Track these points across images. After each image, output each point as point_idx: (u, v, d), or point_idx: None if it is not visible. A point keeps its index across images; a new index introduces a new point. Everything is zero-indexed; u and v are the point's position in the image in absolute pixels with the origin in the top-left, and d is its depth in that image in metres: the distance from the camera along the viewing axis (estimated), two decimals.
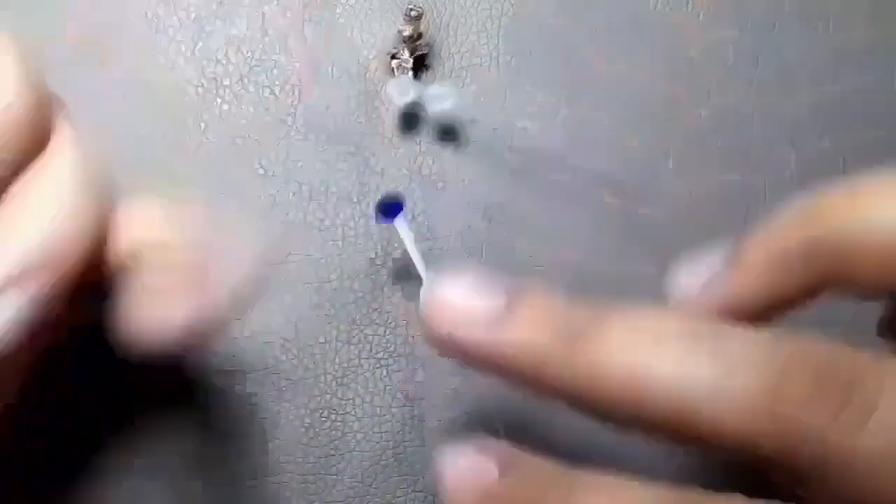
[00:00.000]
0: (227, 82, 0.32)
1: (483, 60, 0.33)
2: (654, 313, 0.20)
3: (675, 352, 0.19)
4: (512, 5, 0.34)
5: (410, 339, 0.31)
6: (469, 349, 0.20)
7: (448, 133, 0.32)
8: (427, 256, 0.32)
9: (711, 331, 0.19)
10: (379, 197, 0.30)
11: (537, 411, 0.31)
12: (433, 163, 0.32)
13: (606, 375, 0.19)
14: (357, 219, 0.32)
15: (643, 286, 0.32)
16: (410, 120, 0.32)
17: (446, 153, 0.32)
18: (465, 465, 0.21)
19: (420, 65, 0.32)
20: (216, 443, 0.30)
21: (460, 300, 0.20)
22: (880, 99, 0.34)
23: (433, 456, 0.31)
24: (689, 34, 0.34)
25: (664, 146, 0.33)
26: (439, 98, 0.32)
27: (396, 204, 0.29)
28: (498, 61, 0.33)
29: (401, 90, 0.31)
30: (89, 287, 0.23)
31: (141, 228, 0.24)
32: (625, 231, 0.33)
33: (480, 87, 0.33)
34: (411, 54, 0.32)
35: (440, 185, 0.32)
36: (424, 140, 0.32)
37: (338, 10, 0.33)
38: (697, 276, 0.23)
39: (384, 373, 0.31)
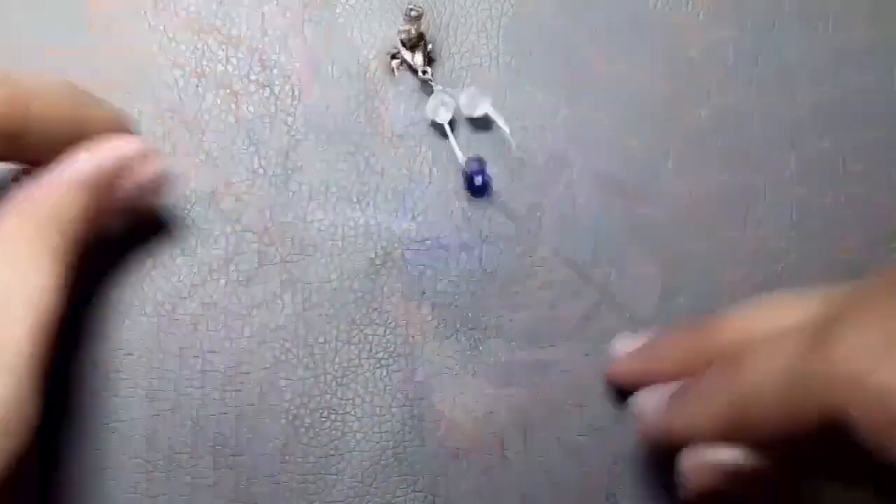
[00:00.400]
0: (227, 82, 0.32)
1: (483, 60, 0.33)
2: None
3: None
4: (512, 5, 0.34)
5: (410, 339, 0.31)
6: (638, 374, 0.30)
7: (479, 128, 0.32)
8: (427, 256, 0.32)
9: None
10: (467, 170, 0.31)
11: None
12: (433, 163, 0.32)
13: (722, 340, 0.28)
14: (357, 219, 0.32)
15: (643, 286, 0.32)
16: (477, 184, 0.32)
17: (446, 153, 0.32)
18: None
19: (430, 65, 0.33)
20: (214, 442, 0.30)
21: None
22: (880, 99, 0.34)
23: (433, 456, 0.31)
24: (689, 34, 0.34)
25: (664, 146, 0.33)
26: (473, 103, 0.32)
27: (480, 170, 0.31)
28: (498, 61, 0.33)
29: (439, 108, 0.31)
30: None
31: None
32: (625, 231, 0.33)
33: (480, 87, 0.33)
34: (424, 59, 0.32)
35: (440, 184, 0.32)
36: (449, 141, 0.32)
37: (338, 10, 0.33)
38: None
39: (384, 373, 0.31)
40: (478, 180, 0.31)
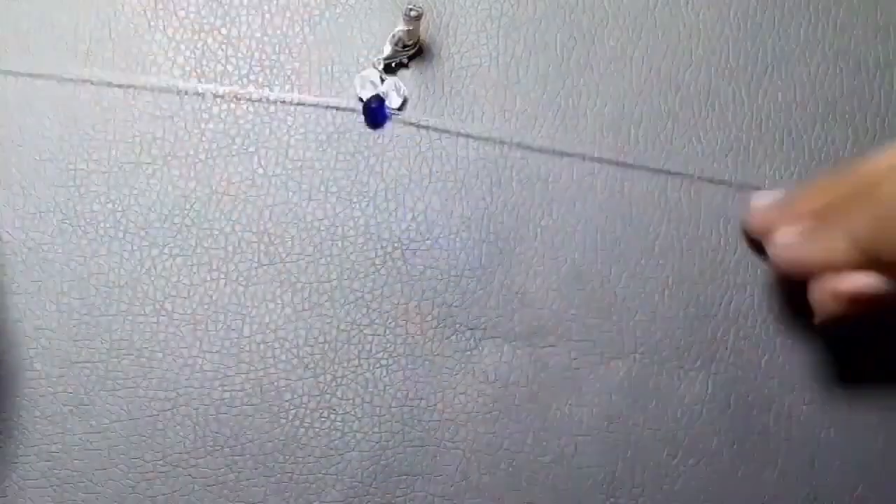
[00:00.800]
0: (227, 82, 0.32)
1: (483, 60, 0.33)
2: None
3: None
4: (512, 5, 0.34)
5: (410, 339, 0.31)
6: (775, 220, 0.30)
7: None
8: (427, 256, 0.32)
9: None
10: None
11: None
12: (433, 162, 0.32)
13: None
14: (357, 219, 0.32)
15: (643, 286, 0.32)
16: (373, 112, 0.32)
17: (446, 153, 0.32)
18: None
19: (401, 64, 0.33)
20: (214, 443, 0.30)
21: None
22: (880, 99, 0.34)
23: (433, 456, 0.31)
24: (689, 34, 0.34)
25: (664, 146, 0.33)
26: (394, 92, 0.32)
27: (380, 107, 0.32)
28: (498, 61, 0.33)
29: (366, 84, 0.32)
30: None
31: None
32: (625, 230, 0.33)
33: (480, 87, 0.33)
34: (391, 51, 0.32)
35: (440, 184, 0.32)
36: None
37: (338, 10, 0.33)
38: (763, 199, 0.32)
39: (384, 373, 0.31)
40: (374, 103, 0.32)
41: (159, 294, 0.31)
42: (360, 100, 0.32)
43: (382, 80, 0.32)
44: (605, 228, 0.33)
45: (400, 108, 0.32)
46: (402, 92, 0.32)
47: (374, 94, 0.32)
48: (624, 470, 0.31)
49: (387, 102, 0.32)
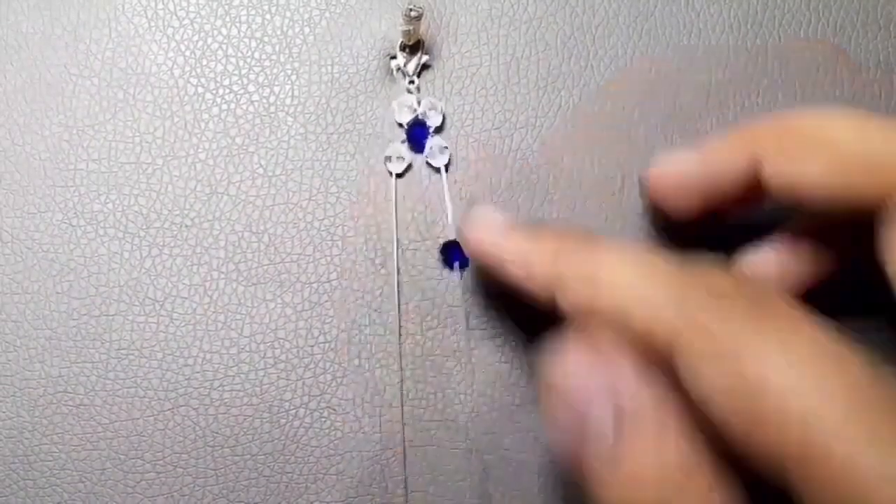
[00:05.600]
0: (227, 82, 0.32)
1: (483, 60, 0.33)
2: (612, 247, 0.26)
3: (621, 271, 0.25)
4: (512, 5, 0.34)
5: (410, 338, 0.31)
6: (485, 251, 0.28)
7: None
8: (427, 256, 0.32)
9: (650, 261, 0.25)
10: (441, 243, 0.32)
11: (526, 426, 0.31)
12: (433, 163, 0.32)
13: (571, 285, 0.26)
14: (357, 219, 0.32)
15: None
16: (414, 137, 0.32)
17: (446, 153, 0.32)
18: None
19: (422, 71, 0.33)
20: (214, 443, 0.30)
21: (486, 215, 0.29)
22: (880, 99, 0.34)
23: (433, 456, 0.31)
24: (690, 33, 0.34)
25: (664, 146, 0.33)
26: (433, 112, 0.32)
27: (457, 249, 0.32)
28: (498, 61, 0.33)
29: (403, 109, 0.32)
30: None
31: None
32: (625, 232, 0.33)
33: (480, 87, 0.33)
34: (416, 67, 0.32)
35: (440, 184, 0.32)
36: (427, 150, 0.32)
37: (338, 10, 0.33)
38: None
39: (384, 373, 0.31)
40: (415, 127, 0.32)
41: (159, 294, 0.31)
42: (400, 125, 0.32)
43: (419, 102, 0.32)
44: (605, 228, 0.33)
45: (440, 126, 0.32)
46: (439, 109, 0.32)
47: (412, 118, 0.32)
48: None
49: (427, 122, 0.32)
